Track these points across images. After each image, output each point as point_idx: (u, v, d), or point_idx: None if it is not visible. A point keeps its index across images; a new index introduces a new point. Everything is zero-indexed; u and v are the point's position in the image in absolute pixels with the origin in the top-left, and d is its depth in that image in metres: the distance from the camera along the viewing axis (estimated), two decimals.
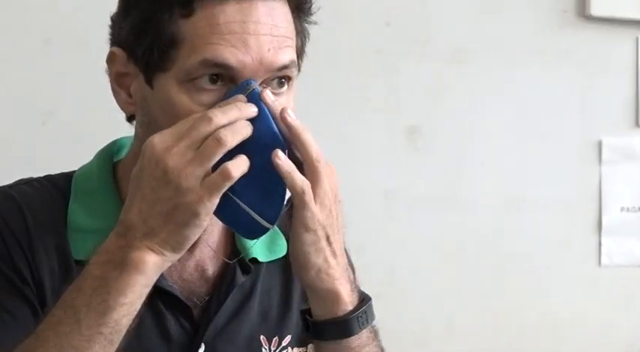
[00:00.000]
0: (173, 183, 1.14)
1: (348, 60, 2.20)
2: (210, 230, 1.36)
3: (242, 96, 1.20)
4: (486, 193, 2.37)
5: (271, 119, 1.21)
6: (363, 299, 1.31)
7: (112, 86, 1.34)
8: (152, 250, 1.16)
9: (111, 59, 1.32)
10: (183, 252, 1.20)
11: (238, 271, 1.39)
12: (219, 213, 1.19)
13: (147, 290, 1.18)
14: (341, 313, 1.28)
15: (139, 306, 1.18)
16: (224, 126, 1.16)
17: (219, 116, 1.16)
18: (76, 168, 1.43)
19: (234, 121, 1.17)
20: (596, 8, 2.40)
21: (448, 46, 2.32)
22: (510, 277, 2.40)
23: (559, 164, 2.44)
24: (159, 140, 1.16)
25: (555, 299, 2.44)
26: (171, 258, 1.18)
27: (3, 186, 1.38)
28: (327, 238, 1.24)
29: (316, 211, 1.21)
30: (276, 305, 1.43)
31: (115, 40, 1.32)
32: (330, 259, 1.25)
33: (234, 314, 1.38)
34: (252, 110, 1.19)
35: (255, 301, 1.41)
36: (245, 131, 1.18)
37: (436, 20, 2.31)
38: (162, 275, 1.31)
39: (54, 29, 1.94)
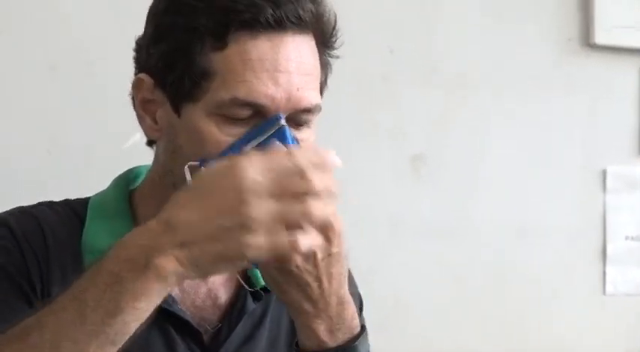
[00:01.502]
0: (242, 219, 1.04)
1: (353, 87, 2.20)
2: None
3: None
4: (491, 221, 2.36)
5: None
6: (352, 339, 1.28)
7: (137, 112, 1.34)
8: (180, 262, 1.06)
9: (137, 85, 1.33)
10: (201, 278, 1.15)
11: (249, 298, 1.40)
12: None
13: (160, 300, 1.08)
14: (311, 349, 1.26)
15: (149, 313, 1.09)
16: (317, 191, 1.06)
17: (317, 181, 1.05)
18: (81, 196, 1.44)
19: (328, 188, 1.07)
20: (601, 37, 2.41)
21: (453, 74, 2.32)
22: (515, 305, 2.39)
23: (563, 192, 2.44)
24: (254, 171, 1.04)
25: (560, 327, 2.44)
26: (191, 277, 1.09)
27: (26, 206, 1.39)
28: (298, 286, 1.22)
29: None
30: (285, 334, 1.43)
31: (142, 65, 1.33)
32: (303, 304, 1.23)
33: (244, 341, 1.38)
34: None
35: (265, 329, 1.41)
36: (333, 208, 1.11)
37: (441, 48, 2.31)
38: (174, 300, 1.31)
39: (60, 56, 1.94)
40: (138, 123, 1.36)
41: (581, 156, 2.46)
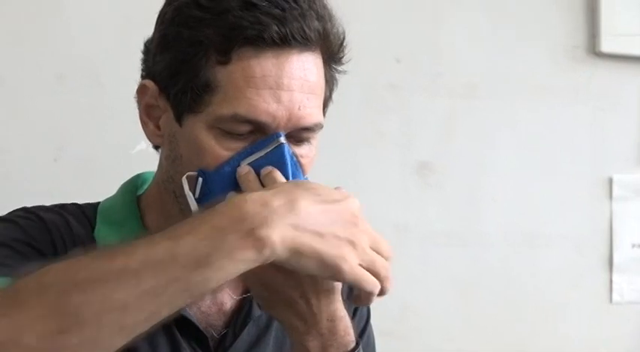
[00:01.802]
0: (353, 236, 1.14)
1: (360, 96, 2.21)
2: None
3: None
4: (497, 229, 2.36)
5: (290, 174, 1.24)
6: None
7: (140, 117, 1.35)
8: (285, 241, 1.09)
9: (142, 91, 1.33)
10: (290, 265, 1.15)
11: (254, 305, 1.40)
12: None
13: (247, 268, 1.09)
14: None
15: (229, 279, 1.09)
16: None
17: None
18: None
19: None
20: (607, 45, 2.41)
21: (459, 82, 2.32)
22: (521, 313, 2.39)
23: (570, 200, 2.44)
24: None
25: (567, 335, 2.43)
26: (283, 261, 1.11)
27: (46, 206, 1.40)
28: (287, 304, 1.22)
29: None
30: (290, 343, 1.43)
31: (148, 71, 1.33)
32: (293, 320, 1.23)
33: (249, 348, 1.39)
34: None
35: (270, 335, 1.41)
36: None
37: (447, 56, 2.31)
38: None
39: (66, 65, 1.94)
40: (143, 132, 1.36)
41: (588, 164, 2.46)
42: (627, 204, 2.48)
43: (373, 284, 1.16)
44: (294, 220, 1.10)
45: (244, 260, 1.07)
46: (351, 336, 1.27)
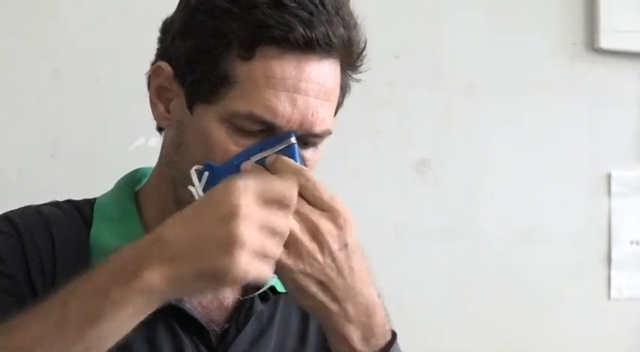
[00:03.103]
0: (231, 238, 1.07)
1: (358, 92, 2.19)
2: None
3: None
4: (496, 226, 2.36)
5: None
6: (384, 347, 1.27)
7: (150, 98, 1.34)
8: (166, 278, 1.07)
9: (156, 72, 1.32)
10: (178, 297, 1.16)
11: (257, 299, 1.39)
12: None
13: (142, 315, 1.10)
14: None
15: (129, 328, 1.10)
16: None
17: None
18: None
19: None
20: (606, 41, 2.41)
21: (458, 78, 2.32)
22: (519, 310, 2.39)
23: (568, 197, 2.44)
24: (248, 197, 1.09)
25: (565, 332, 2.43)
26: (174, 296, 1.12)
27: (32, 206, 1.39)
28: (320, 283, 1.21)
29: (283, 258, 1.17)
30: (292, 339, 1.42)
31: (165, 52, 1.32)
32: (330, 305, 1.22)
33: (251, 343, 1.38)
34: None
35: (273, 331, 1.41)
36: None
37: (446, 52, 2.31)
38: (183, 299, 1.30)
39: (62, 59, 1.94)
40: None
41: (586, 160, 2.46)
42: (625, 201, 2.48)
43: (268, 271, 1.12)
44: (165, 253, 1.08)
45: (135, 305, 1.07)
46: (388, 326, 1.28)
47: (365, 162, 2.22)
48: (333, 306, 1.22)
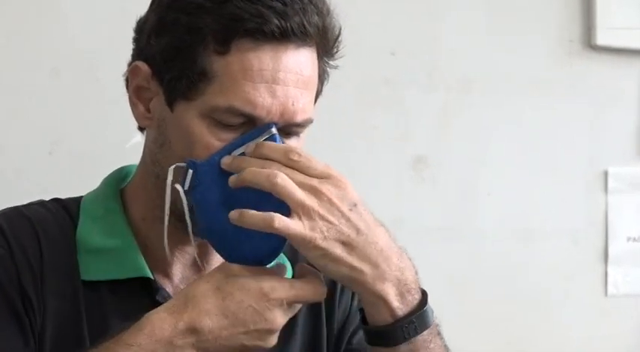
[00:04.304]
0: (267, 328, 1.20)
1: (355, 89, 2.20)
2: None
3: None
4: (493, 223, 2.36)
5: None
6: (419, 303, 1.28)
7: (130, 98, 1.34)
8: None
9: (133, 72, 1.32)
10: None
11: None
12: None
13: None
14: (382, 323, 1.25)
15: None
16: None
17: None
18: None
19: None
20: (603, 38, 2.41)
21: (455, 76, 2.32)
22: (517, 306, 2.39)
23: (566, 194, 2.44)
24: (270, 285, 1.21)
25: (562, 329, 2.44)
26: None
27: (17, 207, 1.39)
28: (343, 244, 1.20)
29: (298, 228, 1.18)
30: (296, 345, 1.44)
31: (141, 52, 1.32)
32: (361, 265, 1.21)
33: None
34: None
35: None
36: None
37: (443, 49, 2.31)
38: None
39: (61, 59, 1.94)
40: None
41: (583, 157, 2.46)
42: (623, 197, 2.48)
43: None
44: (199, 343, 1.18)
45: None
46: (418, 283, 1.30)
47: (361, 160, 2.22)
48: (365, 266, 1.21)
